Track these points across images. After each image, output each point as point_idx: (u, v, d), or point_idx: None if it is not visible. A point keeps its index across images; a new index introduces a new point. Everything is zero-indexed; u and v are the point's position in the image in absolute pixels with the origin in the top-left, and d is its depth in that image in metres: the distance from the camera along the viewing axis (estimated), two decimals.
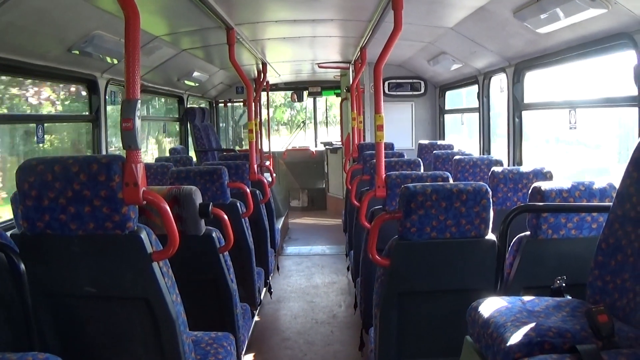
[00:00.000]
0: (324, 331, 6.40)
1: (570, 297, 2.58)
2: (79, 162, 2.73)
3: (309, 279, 8.51)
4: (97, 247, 2.83)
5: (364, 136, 10.18)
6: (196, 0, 4.82)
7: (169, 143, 11.18)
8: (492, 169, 4.92)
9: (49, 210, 2.76)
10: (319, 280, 8.40)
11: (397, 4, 4.53)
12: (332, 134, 15.85)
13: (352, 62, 9.64)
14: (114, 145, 7.43)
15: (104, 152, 6.53)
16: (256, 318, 6.45)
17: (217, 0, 5.16)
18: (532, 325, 2.08)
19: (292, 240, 11.24)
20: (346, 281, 8.25)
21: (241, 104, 13.34)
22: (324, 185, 14.37)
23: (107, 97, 6.55)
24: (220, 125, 13.58)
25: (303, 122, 17.25)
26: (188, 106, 10.75)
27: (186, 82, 9.55)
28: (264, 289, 6.62)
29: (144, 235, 2.81)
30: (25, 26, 4.45)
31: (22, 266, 2.70)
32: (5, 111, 5.97)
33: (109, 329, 3.08)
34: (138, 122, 2.83)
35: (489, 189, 3.49)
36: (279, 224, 9.68)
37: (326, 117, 15.98)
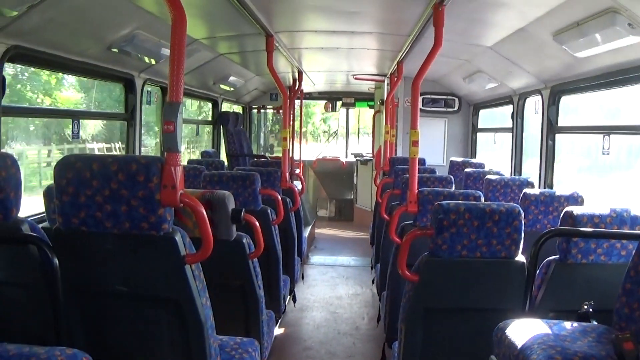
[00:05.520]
0: (346, 342, 6.39)
1: (596, 323, 2.58)
2: (118, 161, 2.76)
3: (333, 289, 8.51)
4: (131, 247, 2.86)
5: (396, 150, 10.18)
6: (238, 7, 4.86)
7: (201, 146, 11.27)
8: (524, 191, 4.89)
9: (85, 207, 2.78)
10: (342, 291, 8.39)
11: (438, 21, 4.53)
12: (353, 145, 15.82)
13: (388, 75, 9.65)
14: (145, 145, 7.49)
15: (137, 151, 6.62)
16: (279, 326, 6.48)
17: (259, 8, 5.22)
18: (559, 349, 2.09)
19: (318, 249, 11.25)
20: (370, 294, 8.24)
21: (274, 111, 13.41)
22: (352, 197, 14.35)
23: (142, 97, 6.64)
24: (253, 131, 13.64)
25: (335, 132, 17.28)
26: (222, 110, 10.86)
27: (221, 86, 9.63)
28: (289, 297, 6.64)
29: (178, 237, 2.83)
30: (66, 23, 4.51)
31: (56, 261, 2.73)
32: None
33: (137, 329, 3.10)
34: (180, 125, 2.87)
35: (521, 211, 3.47)
36: (306, 233, 9.69)
37: (358, 129, 15.96)
